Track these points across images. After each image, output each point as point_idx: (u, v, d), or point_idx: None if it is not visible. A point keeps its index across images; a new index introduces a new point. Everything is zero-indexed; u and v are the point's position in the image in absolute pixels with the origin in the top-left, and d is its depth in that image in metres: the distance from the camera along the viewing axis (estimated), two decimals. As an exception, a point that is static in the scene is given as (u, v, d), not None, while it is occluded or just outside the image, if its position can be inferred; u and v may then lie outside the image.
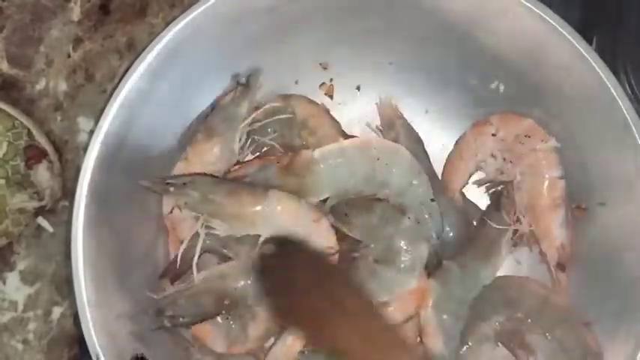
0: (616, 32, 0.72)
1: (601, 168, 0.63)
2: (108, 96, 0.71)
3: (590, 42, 0.66)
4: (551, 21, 0.61)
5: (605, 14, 0.73)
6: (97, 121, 0.61)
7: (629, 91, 0.70)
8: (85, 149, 0.68)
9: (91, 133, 0.70)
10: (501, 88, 0.68)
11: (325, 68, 0.71)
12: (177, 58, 0.63)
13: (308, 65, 0.70)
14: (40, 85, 0.71)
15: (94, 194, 0.60)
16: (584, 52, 0.61)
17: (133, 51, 0.72)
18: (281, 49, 0.67)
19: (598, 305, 0.64)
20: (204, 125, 0.66)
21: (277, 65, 0.68)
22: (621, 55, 0.71)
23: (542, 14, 0.61)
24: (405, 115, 0.70)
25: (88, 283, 0.59)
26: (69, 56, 0.71)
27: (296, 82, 0.70)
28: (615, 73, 0.62)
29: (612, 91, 0.60)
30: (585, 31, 0.63)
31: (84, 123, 0.71)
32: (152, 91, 0.62)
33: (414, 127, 0.70)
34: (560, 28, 0.61)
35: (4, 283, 0.69)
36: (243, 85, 0.66)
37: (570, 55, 0.61)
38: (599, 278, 0.64)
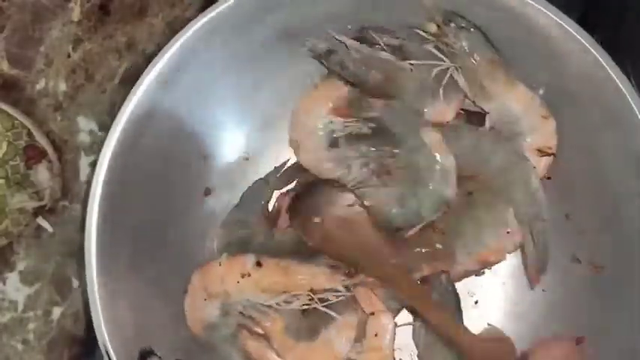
0: (616, 32, 0.72)
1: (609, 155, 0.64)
2: (116, 97, 0.71)
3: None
4: (556, 18, 0.62)
5: (605, 14, 0.73)
6: (110, 117, 0.62)
7: (630, 91, 0.70)
8: (85, 149, 0.69)
9: (91, 132, 0.71)
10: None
11: None
12: (193, 57, 0.64)
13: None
14: (40, 85, 0.71)
15: (109, 189, 0.62)
16: (589, 47, 0.62)
17: (133, 51, 0.72)
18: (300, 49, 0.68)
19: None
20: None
21: (296, 63, 0.69)
22: (621, 56, 0.70)
23: (547, 11, 0.62)
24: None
25: (99, 275, 0.61)
26: (69, 56, 0.71)
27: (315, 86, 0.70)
28: (616, 72, 0.63)
29: (620, 84, 0.61)
30: (586, 30, 0.63)
31: (83, 123, 0.71)
32: (170, 88, 0.64)
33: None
34: (566, 26, 0.62)
35: (4, 283, 0.68)
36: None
37: (574, 49, 0.62)
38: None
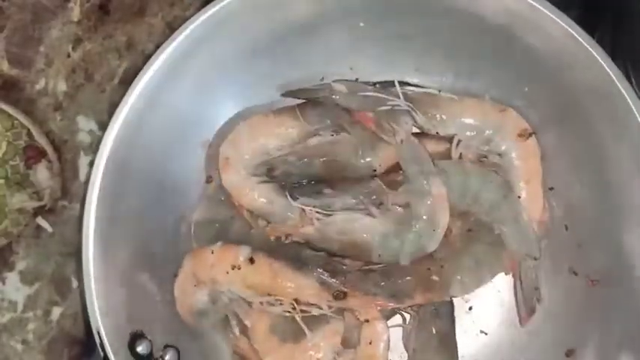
0: (615, 32, 0.72)
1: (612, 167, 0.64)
2: (116, 97, 0.71)
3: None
4: (557, 19, 0.62)
5: (604, 14, 0.73)
6: (110, 117, 0.63)
7: (630, 91, 0.70)
8: (84, 149, 0.69)
9: (91, 132, 0.71)
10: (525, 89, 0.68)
11: (352, 68, 0.71)
12: (192, 56, 0.64)
13: (335, 63, 0.70)
14: (40, 85, 0.71)
15: (109, 173, 0.62)
16: (592, 50, 0.61)
17: (133, 51, 0.72)
18: (312, 43, 0.68)
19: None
20: None
21: (306, 59, 0.69)
22: (621, 55, 0.71)
23: (548, 12, 0.62)
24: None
25: (96, 258, 0.61)
26: (68, 56, 0.71)
27: (321, 79, 0.70)
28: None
29: (620, 86, 0.61)
30: (584, 30, 0.63)
31: (83, 123, 0.71)
32: (168, 87, 0.64)
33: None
34: (568, 27, 0.62)
35: (4, 283, 0.68)
36: None
37: (581, 54, 0.62)
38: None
